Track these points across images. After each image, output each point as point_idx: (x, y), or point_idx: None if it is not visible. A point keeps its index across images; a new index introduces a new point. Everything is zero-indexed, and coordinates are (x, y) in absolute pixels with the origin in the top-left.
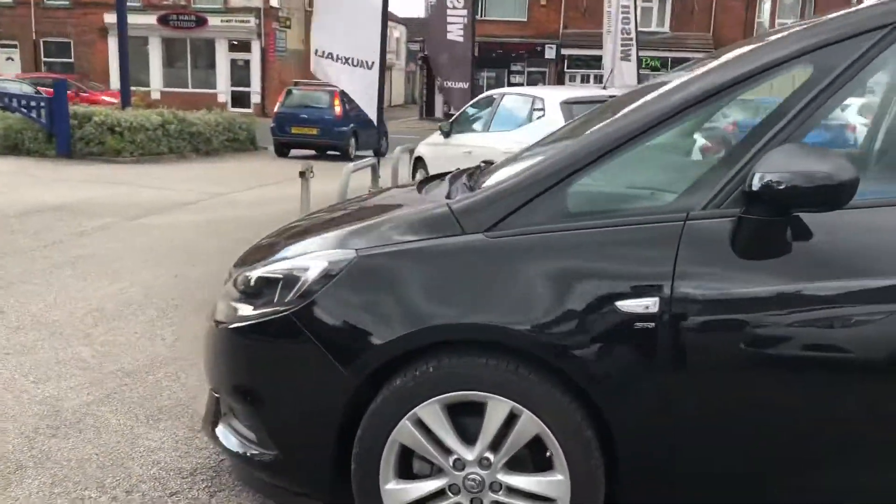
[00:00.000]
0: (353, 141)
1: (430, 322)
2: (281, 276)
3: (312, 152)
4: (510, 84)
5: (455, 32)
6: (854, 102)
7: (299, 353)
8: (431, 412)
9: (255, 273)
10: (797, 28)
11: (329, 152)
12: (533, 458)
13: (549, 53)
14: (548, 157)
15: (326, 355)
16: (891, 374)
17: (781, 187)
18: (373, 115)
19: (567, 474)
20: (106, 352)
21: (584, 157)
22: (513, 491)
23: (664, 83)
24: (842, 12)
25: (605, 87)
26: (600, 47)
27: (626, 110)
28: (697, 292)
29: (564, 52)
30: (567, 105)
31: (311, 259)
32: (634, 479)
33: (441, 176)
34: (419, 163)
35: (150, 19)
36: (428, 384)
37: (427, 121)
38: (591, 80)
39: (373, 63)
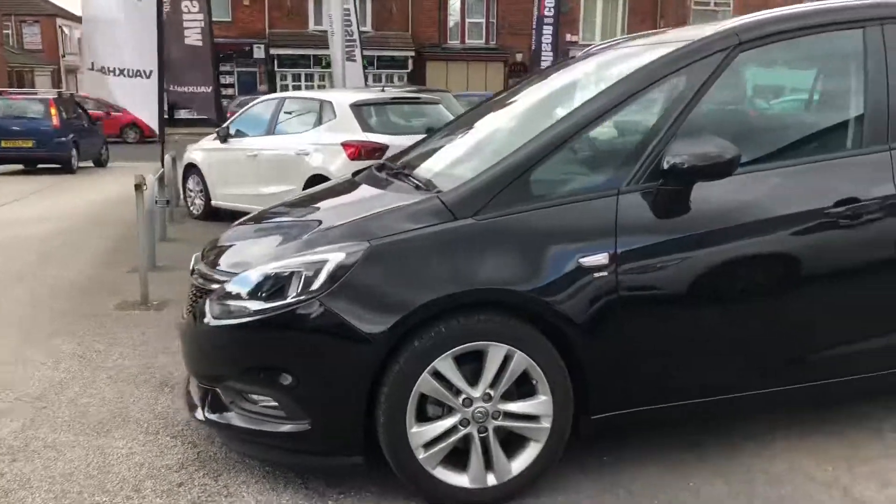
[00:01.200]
0: (74, 152)
1: (443, 292)
2: (302, 269)
3: (20, 167)
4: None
5: (193, 37)
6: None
7: (331, 331)
8: (445, 364)
9: (266, 269)
10: (671, 49)
11: (41, 165)
12: (518, 390)
13: (258, 53)
14: (511, 155)
15: (357, 330)
16: (771, 293)
17: (685, 166)
18: (154, 125)
19: (549, 395)
20: None
21: (540, 152)
22: (508, 415)
23: (558, 85)
24: (698, 37)
25: (383, 90)
26: (309, 47)
27: (564, 114)
28: (633, 246)
29: (273, 51)
30: (357, 107)
31: (328, 252)
32: (601, 393)
33: (358, 172)
34: (191, 169)
35: None
36: (441, 342)
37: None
38: (303, 79)
39: (151, 72)
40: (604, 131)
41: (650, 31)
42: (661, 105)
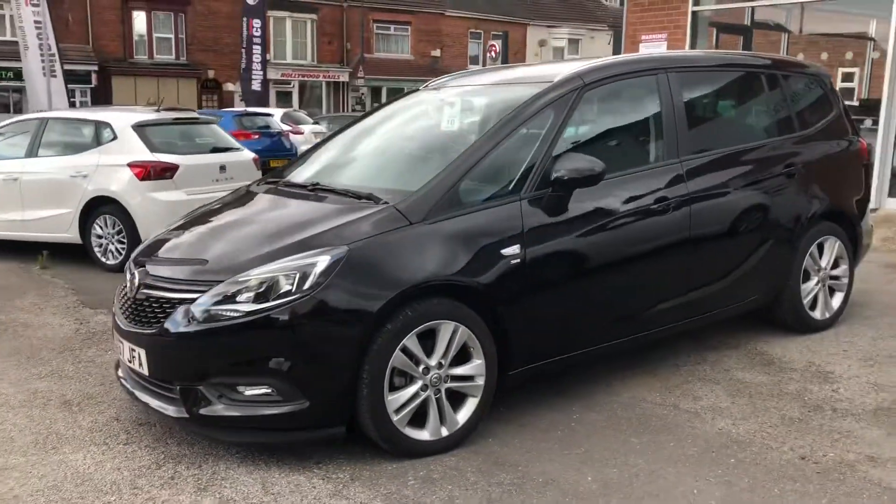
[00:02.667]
0: None
1: (408, 283)
2: (295, 271)
3: None
4: None
5: None
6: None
7: (326, 321)
8: (412, 341)
9: (261, 273)
10: (537, 88)
11: None
12: (459, 357)
13: None
14: (443, 171)
15: (347, 319)
16: (623, 266)
17: (566, 178)
18: None
19: (483, 359)
20: None
21: (465, 169)
22: (454, 378)
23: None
24: (555, 79)
25: (157, 111)
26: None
27: (480, 136)
28: (535, 238)
29: None
30: (140, 128)
31: (314, 256)
32: (520, 353)
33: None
34: None
35: None
36: (408, 323)
37: None
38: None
39: None
40: (505, 152)
41: (491, 68)
42: (541, 131)
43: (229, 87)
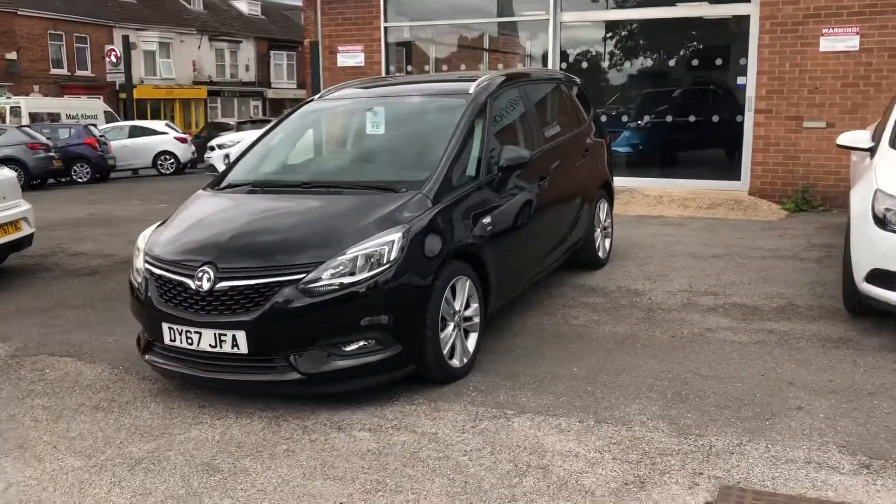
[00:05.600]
0: None
1: (446, 249)
2: (378, 248)
3: None
4: None
5: None
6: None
7: (407, 283)
8: (448, 293)
9: (353, 253)
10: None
11: None
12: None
13: None
14: (437, 163)
15: (420, 279)
16: (533, 221)
17: (505, 165)
18: None
19: (478, 303)
20: None
21: (450, 163)
22: (465, 319)
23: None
24: (471, 91)
25: None
26: None
27: (451, 137)
28: (494, 208)
29: None
30: None
31: (389, 234)
32: (496, 295)
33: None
34: None
35: None
36: (447, 279)
37: None
38: None
39: None
40: (465, 148)
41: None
42: (479, 131)
43: None
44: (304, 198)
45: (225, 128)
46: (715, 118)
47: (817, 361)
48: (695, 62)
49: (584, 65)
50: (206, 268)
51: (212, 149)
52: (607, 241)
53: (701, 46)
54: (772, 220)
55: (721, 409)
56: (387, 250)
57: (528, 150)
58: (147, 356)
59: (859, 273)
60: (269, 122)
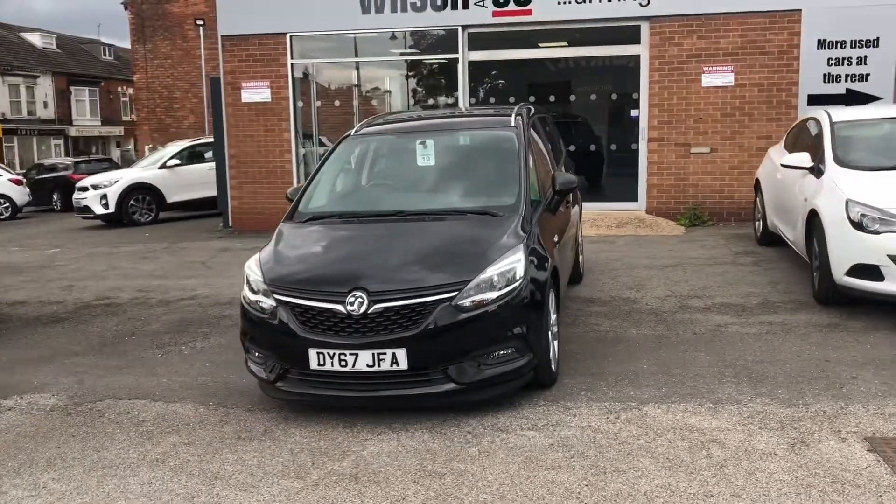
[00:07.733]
0: None
1: (549, 262)
2: (511, 265)
3: None
4: None
5: None
6: None
7: (534, 295)
8: (551, 302)
9: (492, 271)
10: (514, 130)
11: None
12: None
13: None
14: (520, 190)
15: (540, 292)
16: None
17: (560, 188)
18: None
19: (557, 313)
20: None
21: (525, 187)
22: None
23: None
24: (512, 123)
25: None
26: None
27: (519, 164)
28: (558, 227)
29: None
30: None
31: (515, 254)
32: (558, 300)
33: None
34: None
35: None
36: (549, 290)
37: None
38: None
39: None
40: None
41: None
42: (530, 159)
43: None
44: (410, 224)
45: (55, 169)
46: (613, 146)
47: (828, 342)
48: (593, 97)
49: (492, 99)
50: (357, 293)
51: (84, 189)
52: (580, 257)
53: (601, 83)
54: (677, 234)
55: (797, 384)
56: (517, 268)
57: (575, 177)
58: (280, 384)
59: (839, 269)
60: (109, 160)
